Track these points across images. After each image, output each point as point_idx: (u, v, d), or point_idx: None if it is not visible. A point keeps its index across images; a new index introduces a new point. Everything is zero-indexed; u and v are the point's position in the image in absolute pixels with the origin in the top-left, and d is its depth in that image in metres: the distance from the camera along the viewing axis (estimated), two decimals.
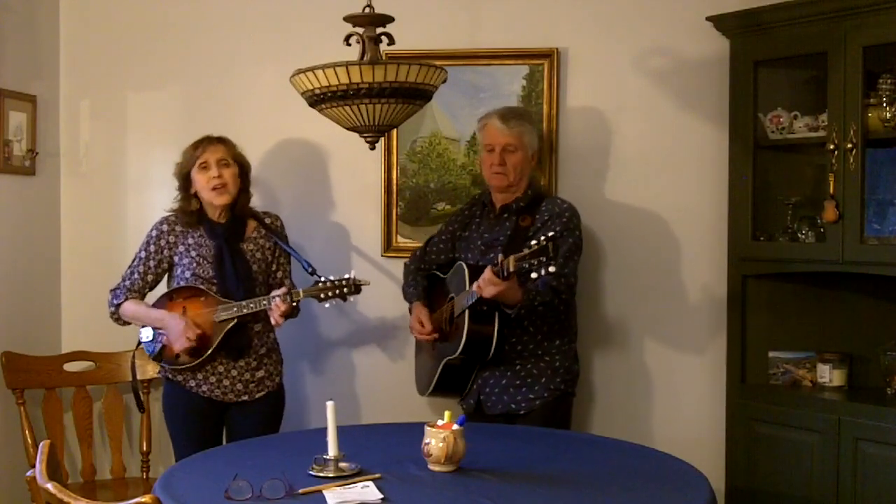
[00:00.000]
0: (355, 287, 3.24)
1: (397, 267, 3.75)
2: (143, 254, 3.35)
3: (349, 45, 2.66)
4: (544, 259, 2.74)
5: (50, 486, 2.03)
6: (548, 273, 2.77)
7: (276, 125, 3.88)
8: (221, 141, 3.32)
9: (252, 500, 2.25)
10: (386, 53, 2.88)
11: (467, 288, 3.13)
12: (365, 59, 2.61)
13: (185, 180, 3.31)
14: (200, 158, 3.26)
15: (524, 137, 3.30)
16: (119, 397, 3.86)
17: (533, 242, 2.77)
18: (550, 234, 2.76)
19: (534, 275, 2.78)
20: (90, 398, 3.81)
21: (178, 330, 3.21)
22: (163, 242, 3.33)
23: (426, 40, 3.69)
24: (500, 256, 2.89)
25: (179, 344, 3.21)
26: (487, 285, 2.94)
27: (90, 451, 3.79)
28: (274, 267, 3.40)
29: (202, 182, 3.27)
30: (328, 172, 3.91)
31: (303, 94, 2.66)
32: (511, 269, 2.83)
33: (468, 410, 3.31)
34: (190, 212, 3.31)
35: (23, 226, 3.83)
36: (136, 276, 3.34)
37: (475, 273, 3.11)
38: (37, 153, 3.84)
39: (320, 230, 3.88)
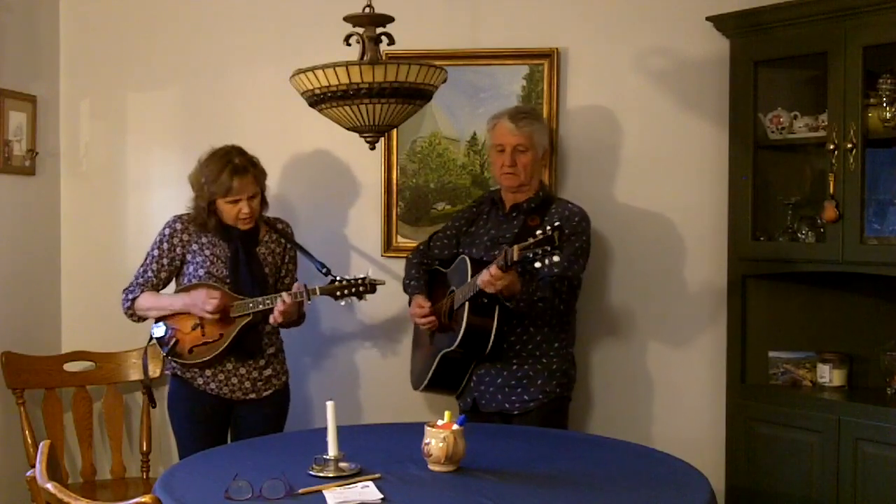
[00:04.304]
0: (371, 286, 3.25)
1: (398, 267, 3.75)
2: (156, 252, 3.34)
3: (349, 45, 2.67)
4: (549, 248, 2.74)
5: (50, 486, 2.03)
6: (552, 263, 2.77)
7: (275, 125, 3.88)
8: (248, 171, 3.23)
9: (252, 500, 2.25)
10: (386, 53, 2.88)
11: (469, 281, 3.13)
12: (365, 59, 2.61)
13: (208, 202, 3.25)
14: (230, 196, 3.21)
15: (534, 137, 3.29)
16: (119, 397, 3.86)
17: (538, 232, 2.77)
18: (556, 223, 2.75)
19: (537, 264, 2.78)
20: (90, 398, 3.81)
21: (202, 296, 3.19)
22: (176, 240, 3.33)
23: (426, 40, 3.69)
24: (505, 247, 2.89)
25: (210, 306, 3.17)
26: (491, 281, 2.94)
27: (90, 451, 3.80)
28: (283, 272, 3.41)
29: (229, 211, 3.24)
30: (328, 172, 3.91)
31: (303, 94, 2.66)
32: (515, 258, 2.83)
33: (465, 409, 3.31)
34: (207, 223, 3.30)
35: (23, 226, 3.83)
36: (149, 273, 3.34)
37: (477, 266, 3.11)
38: (37, 153, 3.84)
39: (320, 230, 3.88)
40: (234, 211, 3.25)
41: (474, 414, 3.25)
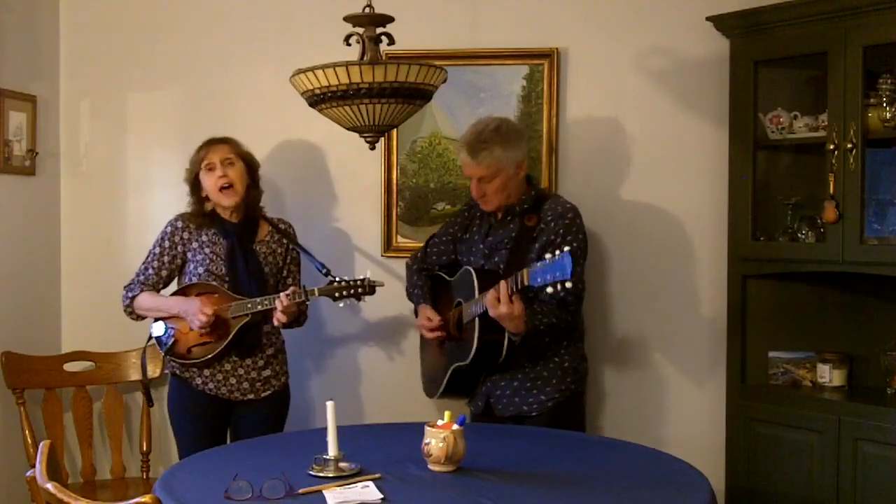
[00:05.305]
0: (370, 288, 3.25)
1: (398, 267, 3.75)
2: (157, 250, 3.36)
3: (349, 45, 2.67)
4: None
5: (50, 486, 2.03)
6: (564, 289, 2.69)
7: (275, 125, 3.88)
8: (224, 141, 3.35)
9: (252, 500, 2.25)
10: (386, 53, 2.88)
11: (476, 294, 3.10)
12: (365, 59, 2.61)
13: (194, 184, 3.34)
14: (205, 160, 3.30)
15: (498, 164, 3.13)
16: (119, 397, 3.86)
17: (548, 256, 2.72)
18: (567, 248, 2.69)
19: (549, 290, 2.72)
20: (90, 398, 3.81)
21: (194, 309, 3.21)
22: (177, 238, 3.35)
23: (426, 40, 3.69)
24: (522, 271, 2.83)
25: (197, 321, 3.20)
26: (497, 303, 2.90)
27: (90, 451, 3.80)
28: (285, 273, 3.42)
29: (210, 183, 3.30)
30: (328, 173, 3.91)
31: (303, 94, 2.66)
32: (526, 283, 2.79)
33: (476, 412, 3.29)
34: (202, 214, 3.34)
35: (23, 226, 3.83)
36: (150, 271, 3.36)
37: (482, 277, 3.09)
38: (37, 153, 3.84)
39: (320, 230, 3.88)
40: (213, 179, 3.28)
41: (488, 417, 3.24)
